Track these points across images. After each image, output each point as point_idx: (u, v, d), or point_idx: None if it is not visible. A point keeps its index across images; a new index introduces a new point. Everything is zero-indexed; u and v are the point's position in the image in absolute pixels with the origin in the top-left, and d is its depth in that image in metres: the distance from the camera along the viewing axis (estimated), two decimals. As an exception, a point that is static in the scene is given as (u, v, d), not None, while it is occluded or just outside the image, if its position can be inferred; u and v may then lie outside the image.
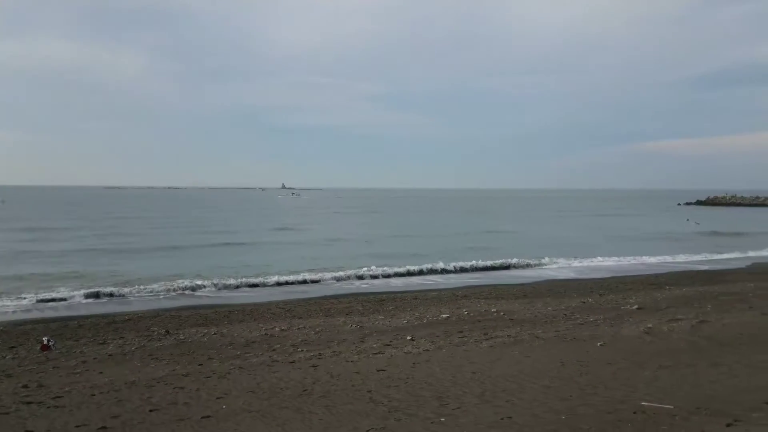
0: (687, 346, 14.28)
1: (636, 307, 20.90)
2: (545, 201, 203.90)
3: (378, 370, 12.66)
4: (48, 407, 10.71)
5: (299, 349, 15.53)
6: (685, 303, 21.65)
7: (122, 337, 17.80)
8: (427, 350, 14.70)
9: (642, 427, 8.90)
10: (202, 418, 9.91)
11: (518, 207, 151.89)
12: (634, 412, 9.53)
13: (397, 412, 9.88)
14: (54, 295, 26.08)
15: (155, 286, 28.63)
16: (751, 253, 44.77)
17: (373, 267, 34.73)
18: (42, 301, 25.14)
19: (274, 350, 15.56)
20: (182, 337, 17.66)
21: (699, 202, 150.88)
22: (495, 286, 29.28)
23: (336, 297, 26.40)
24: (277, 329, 18.51)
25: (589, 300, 23.32)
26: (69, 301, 25.44)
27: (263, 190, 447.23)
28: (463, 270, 35.71)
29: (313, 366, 13.36)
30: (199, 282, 29.45)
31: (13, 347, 16.57)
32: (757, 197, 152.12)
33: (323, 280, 31.62)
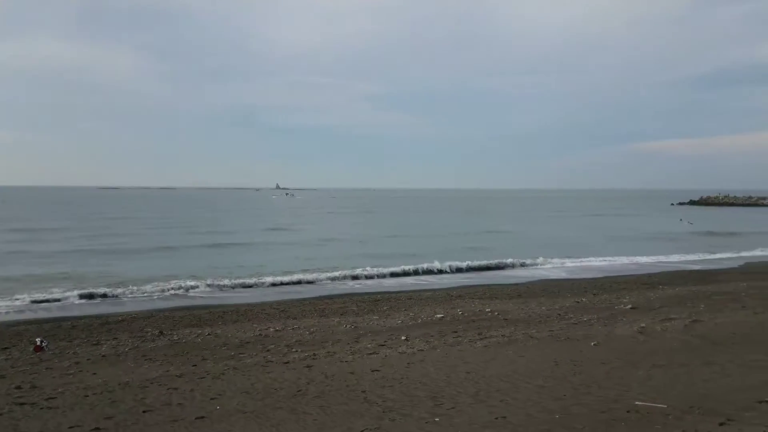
0: (680, 345, 14.34)
1: (629, 306, 20.96)
2: (542, 201, 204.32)
3: (372, 371, 12.66)
4: (41, 408, 10.67)
5: (293, 350, 15.51)
6: (679, 302, 21.74)
7: (116, 338, 17.74)
8: (422, 350, 14.71)
9: (635, 427, 8.93)
10: (196, 418, 9.89)
11: (515, 207, 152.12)
12: (628, 412, 9.57)
13: (392, 413, 9.88)
14: (47, 296, 25.97)
15: (149, 286, 28.56)
16: (743, 253, 44.99)
17: (367, 267, 34.73)
18: (35, 302, 25.03)
19: (268, 351, 15.54)
20: (176, 338, 17.62)
21: (692, 202, 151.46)
22: (489, 286, 29.33)
23: (330, 297, 26.39)
24: (271, 330, 18.49)
25: (583, 300, 23.38)
26: (62, 302, 25.33)
27: (257, 190, 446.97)
28: (457, 270, 35.74)
29: (307, 366, 13.35)
30: (192, 282, 29.38)
31: (6, 348, 16.49)
32: (750, 197, 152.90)
33: (317, 281, 31.59)
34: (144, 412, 10.30)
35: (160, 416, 10.07)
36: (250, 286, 29.79)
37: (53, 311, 23.62)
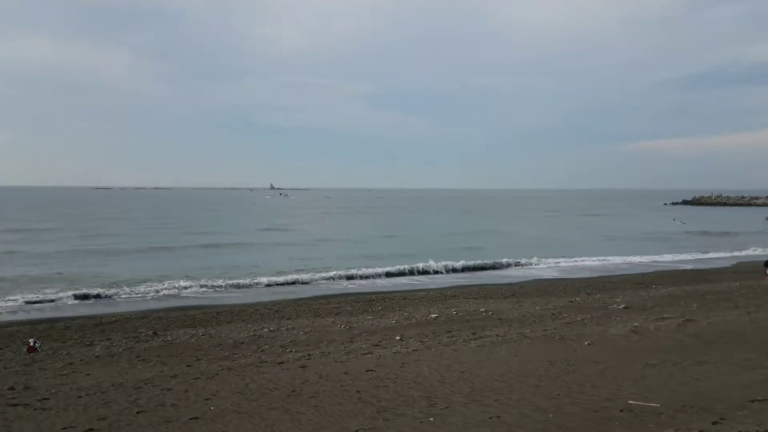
0: (673, 344, 14.40)
1: (623, 306, 21.03)
2: (537, 201, 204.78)
3: (367, 371, 12.67)
4: (34, 409, 10.64)
5: (288, 350, 15.51)
6: (672, 302, 21.82)
7: (109, 339, 17.70)
8: (416, 350, 14.73)
9: (629, 426, 8.96)
10: (190, 419, 9.88)
11: (510, 207, 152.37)
12: (621, 411, 9.60)
13: (386, 412, 9.89)
14: (41, 296, 25.88)
15: (142, 287, 28.51)
16: (736, 253, 45.22)
17: (362, 267, 34.77)
18: (29, 302, 24.94)
19: (262, 351, 15.54)
20: (170, 338, 17.59)
21: (685, 202, 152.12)
22: (483, 286, 29.39)
23: (325, 297, 26.39)
24: (265, 330, 18.48)
25: (577, 299, 23.45)
26: (56, 303, 25.26)
27: (251, 190, 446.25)
28: (452, 270, 35.80)
29: (302, 367, 13.35)
30: (186, 283, 29.34)
31: (-2, 349, 16.43)
32: (742, 197, 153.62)
33: (312, 281, 31.59)
34: (138, 412, 10.29)
35: (154, 417, 10.05)
36: (244, 287, 29.75)
37: (46, 312, 23.55)
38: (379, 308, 22.48)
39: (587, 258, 41.43)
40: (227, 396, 11.13)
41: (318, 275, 32.60)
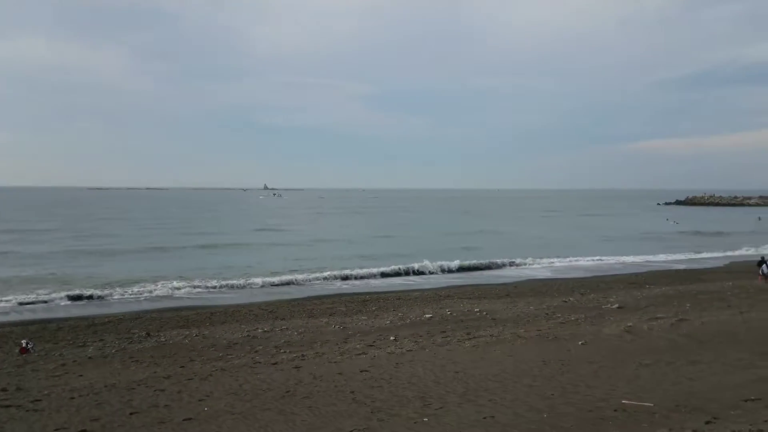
0: (667, 344, 14.43)
1: (617, 306, 21.08)
2: (532, 201, 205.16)
3: (361, 371, 12.66)
4: (27, 410, 10.59)
5: (282, 351, 15.48)
6: (665, 302, 21.89)
7: (102, 340, 17.63)
8: (410, 350, 14.72)
9: (623, 425, 8.98)
10: (184, 420, 9.84)
11: (505, 207, 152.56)
12: (615, 410, 9.62)
13: (380, 413, 9.88)
14: (34, 297, 25.77)
15: (136, 287, 28.43)
16: (728, 253, 45.40)
17: (356, 268, 34.76)
18: (22, 303, 24.83)
19: (256, 352, 15.51)
20: (163, 339, 17.54)
21: (678, 202, 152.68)
22: (478, 286, 29.41)
23: (319, 298, 26.36)
24: (259, 330, 18.45)
25: (571, 299, 23.50)
26: (49, 304, 25.16)
27: (245, 190, 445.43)
28: (447, 270, 35.82)
29: (296, 367, 13.33)
30: (180, 283, 29.26)
31: (-10, 350, 16.35)
32: (735, 197, 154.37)
33: (306, 281, 31.55)
34: (131, 414, 10.24)
35: (147, 418, 10.01)
36: (238, 287, 29.68)
37: (39, 313, 23.44)
38: (374, 309, 22.47)
39: (581, 258, 41.55)
40: (221, 397, 11.10)
41: (312, 276, 32.57)
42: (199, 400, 10.90)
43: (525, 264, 38.89)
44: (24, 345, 16.24)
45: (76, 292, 26.80)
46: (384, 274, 34.08)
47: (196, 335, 17.95)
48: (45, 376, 13.39)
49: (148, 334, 18.24)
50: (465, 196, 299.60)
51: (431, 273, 35.15)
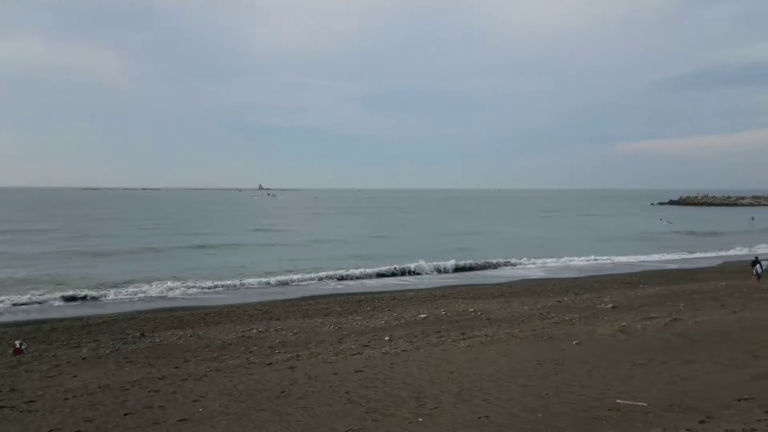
0: (660, 344, 14.48)
1: (611, 305, 21.15)
2: (525, 201, 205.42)
3: (356, 371, 12.66)
4: (20, 411, 10.55)
5: (277, 351, 15.47)
6: (659, 301, 21.97)
7: (96, 340, 17.58)
8: (405, 350, 14.73)
9: (617, 425, 9.01)
10: (178, 421, 9.83)
11: (506, 208, 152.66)
12: (609, 410, 9.65)
13: (375, 413, 9.89)
14: (28, 298, 25.67)
15: (131, 288, 28.35)
16: (722, 252, 45.60)
17: (351, 268, 34.74)
18: (16, 304, 24.73)
19: (251, 352, 15.49)
20: (158, 340, 17.50)
21: (672, 202, 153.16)
22: (473, 286, 29.44)
23: (314, 298, 26.34)
24: (254, 331, 18.43)
25: (565, 299, 23.56)
26: (43, 304, 25.06)
27: (240, 191, 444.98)
28: (442, 270, 35.85)
29: (290, 367, 13.32)
30: (174, 284, 29.19)
31: (-16, 351, 16.27)
32: (728, 197, 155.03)
33: (301, 281, 31.53)
34: (125, 415, 10.22)
35: (142, 419, 9.99)
36: (232, 288, 29.63)
37: (33, 313, 23.35)
38: (368, 309, 22.48)
39: (575, 258, 41.63)
40: (215, 397, 11.08)
41: (307, 276, 32.55)
42: (194, 401, 10.88)
43: (520, 264, 38.96)
44: (18, 346, 16.18)
45: (71, 292, 26.72)
46: (379, 275, 34.08)
47: (191, 336, 17.92)
48: (39, 377, 13.34)
49: (143, 335, 18.20)
50: (464, 196, 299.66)
51: (425, 273, 35.16)
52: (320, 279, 32.13)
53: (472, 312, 20.71)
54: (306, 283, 31.40)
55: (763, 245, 49.19)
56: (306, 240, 57.46)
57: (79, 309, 24.33)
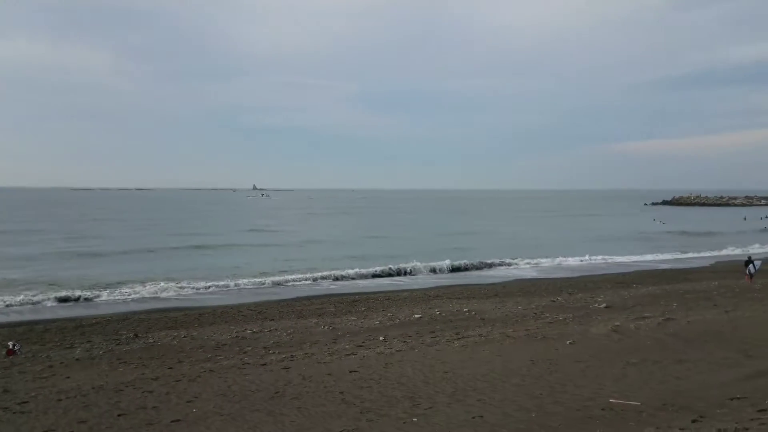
0: (653, 343, 14.54)
1: (604, 305, 21.22)
2: (518, 202, 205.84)
3: (350, 371, 12.67)
4: (14, 413, 10.51)
5: (271, 351, 15.45)
6: (652, 301, 22.06)
7: (89, 341, 17.52)
8: (400, 350, 14.74)
9: (610, 424, 9.04)
10: (172, 422, 9.81)
11: (492, 208, 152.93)
12: (603, 409, 9.68)
13: (370, 413, 9.90)
14: (21, 299, 25.55)
15: (124, 289, 28.27)
16: (714, 252, 45.81)
17: (345, 269, 34.73)
18: (9, 305, 24.61)
19: (245, 353, 15.47)
20: (151, 341, 17.45)
21: (665, 202, 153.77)
22: (467, 286, 29.48)
23: (308, 298, 26.33)
24: (248, 331, 18.40)
25: (559, 299, 23.62)
26: (36, 305, 24.96)
27: (234, 191, 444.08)
28: (436, 270, 35.88)
29: (285, 368, 13.31)
30: (168, 284, 29.11)
31: (-24, 353, 16.19)
32: (721, 197, 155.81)
33: (295, 282, 31.49)
34: (119, 416, 10.20)
35: (135, 420, 9.97)
36: (226, 288, 29.57)
37: (26, 314, 23.25)
38: (363, 309, 22.48)
39: (569, 258, 41.72)
40: (209, 398, 11.07)
41: (301, 276, 32.53)
42: (188, 402, 10.86)
43: (514, 264, 39.04)
44: (11, 347, 16.10)
45: (64, 293, 26.60)
46: (373, 275, 34.08)
47: (185, 336, 17.88)
48: (32, 378, 13.29)
49: (136, 336, 18.15)
50: (462, 196, 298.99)
51: (420, 273, 35.19)
52: (314, 279, 32.11)
53: (466, 312, 20.74)
54: (300, 283, 31.37)
55: (756, 245, 49.44)
56: (300, 240, 57.40)
57: (72, 310, 24.24)
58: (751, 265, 27.89)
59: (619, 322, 17.45)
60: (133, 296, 27.09)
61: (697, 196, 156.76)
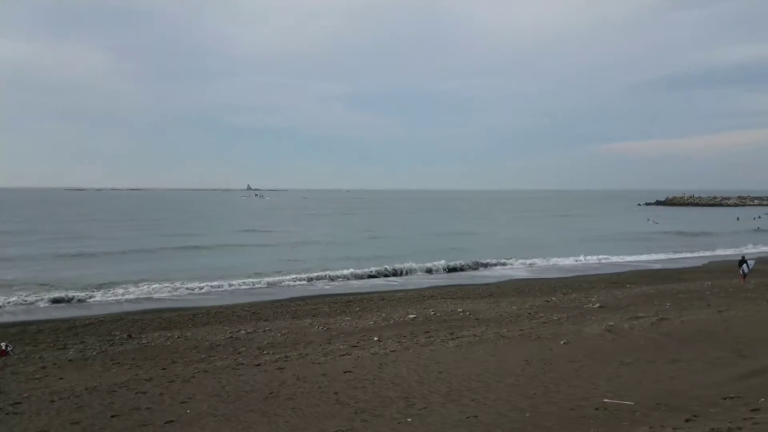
0: (647, 343, 14.60)
1: (598, 305, 21.27)
2: (511, 202, 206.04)
3: (345, 372, 12.66)
4: (6, 414, 10.46)
5: (265, 352, 15.43)
6: (645, 301, 22.13)
7: (83, 342, 17.45)
8: (394, 351, 14.75)
9: (604, 424, 9.07)
10: (166, 423, 9.78)
11: (486, 208, 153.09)
12: (597, 409, 9.71)
13: (364, 413, 9.90)
14: (13, 299, 25.42)
15: (118, 289, 28.15)
16: (707, 252, 45.96)
17: (340, 269, 34.70)
18: (2, 306, 24.48)
19: (239, 353, 15.44)
20: (145, 341, 17.39)
21: (658, 203, 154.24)
22: (461, 286, 29.50)
23: (302, 299, 26.28)
24: (242, 332, 18.36)
25: (553, 299, 23.67)
26: (29, 306, 24.83)
27: (227, 191, 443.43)
28: (431, 271, 35.89)
29: (279, 368, 13.29)
30: (162, 285, 29.01)
31: (-32, 354, 16.10)
32: (714, 197, 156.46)
33: (289, 282, 31.44)
34: (112, 416, 10.16)
35: (129, 421, 9.94)
36: (220, 289, 29.49)
37: (19, 315, 23.12)
38: (357, 309, 22.46)
39: (563, 258, 41.79)
40: (203, 399, 11.04)
41: (295, 277, 32.48)
42: (182, 403, 10.84)
43: (509, 264, 39.08)
44: (3, 348, 16.01)
45: (57, 294, 26.47)
46: (368, 275, 34.06)
47: (178, 337, 17.83)
48: (25, 379, 13.23)
49: (130, 336, 18.08)
50: (459, 197, 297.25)
51: (414, 273, 35.18)
52: (309, 280, 32.06)
53: (460, 312, 20.76)
54: (295, 283, 31.31)
55: (749, 245, 49.66)
56: (294, 241, 57.32)
57: (65, 310, 24.12)
58: (744, 265, 28.00)
59: (613, 322, 17.51)
60: (126, 297, 26.99)
61: (690, 197, 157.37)
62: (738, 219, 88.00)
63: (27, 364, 14.76)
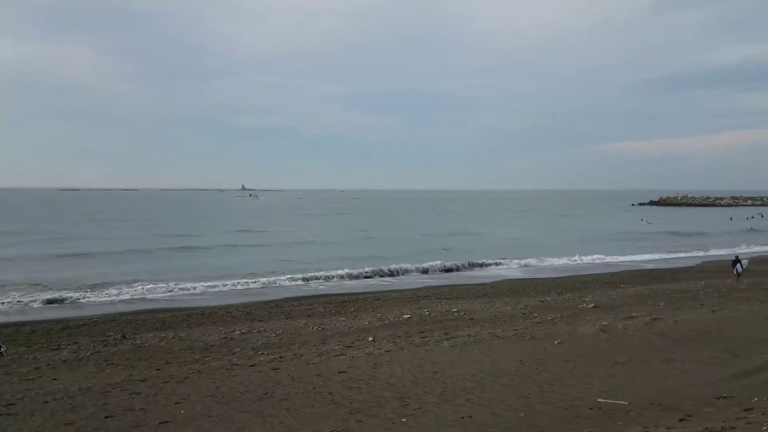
0: (641, 342, 14.65)
1: (592, 305, 21.33)
2: (506, 202, 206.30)
3: (339, 372, 12.66)
4: (0, 415, 10.42)
5: (260, 352, 15.41)
6: (639, 301, 22.20)
7: (76, 343, 17.39)
8: (389, 351, 14.76)
9: (598, 423, 9.10)
10: (160, 423, 9.76)
11: (482, 208, 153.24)
12: (591, 409, 9.74)
13: (359, 414, 9.90)
14: (6, 300, 25.32)
15: (112, 290, 28.07)
16: (701, 252, 46.12)
17: (334, 269, 34.68)
18: (-7, 307, 24.38)
19: (233, 354, 15.42)
20: (139, 342, 17.35)
21: (652, 203, 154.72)
22: (456, 286, 29.53)
23: (297, 299, 26.25)
24: (237, 332, 18.33)
25: (547, 299, 23.72)
26: (22, 306, 24.72)
27: (222, 191, 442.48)
28: (425, 271, 35.90)
29: (273, 369, 13.28)
30: (156, 285, 28.94)
31: (-39, 355, 16.03)
32: (708, 197, 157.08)
33: (284, 283, 31.41)
34: (106, 417, 10.14)
35: (123, 422, 9.91)
36: (215, 289, 29.43)
37: (12, 316, 23.02)
38: (352, 309, 22.46)
39: (557, 258, 41.87)
40: (198, 399, 11.02)
41: (290, 277, 32.44)
42: (176, 403, 10.81)
43: (503, 264, 39.13)
44: (-4, 349, 15.95)
45: (51, 294, 26.38)
46: (363, 276, 34.05)
47: (173, 337, 17.79)
48: (18, 380, 13.18)
49: (124, 337, 18.04)
50: (458, 197, 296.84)
51: (409, 273, 35.18)
52: (304, 280, 32.04)
53: (455, 312, 20.78)
54: (289, 284, 31.28)
55: (742, 245, 49.88)
56: (289, 241, 57.26)
57: (59, 311, 24.03)
58: (738, 265, 28.10)
59: (607, 321, 17.56)
60: (120, 297, 26.91)
61: (683, 197, 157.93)
62: (731, 219, 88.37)
63: (20, 365, 14.70)
